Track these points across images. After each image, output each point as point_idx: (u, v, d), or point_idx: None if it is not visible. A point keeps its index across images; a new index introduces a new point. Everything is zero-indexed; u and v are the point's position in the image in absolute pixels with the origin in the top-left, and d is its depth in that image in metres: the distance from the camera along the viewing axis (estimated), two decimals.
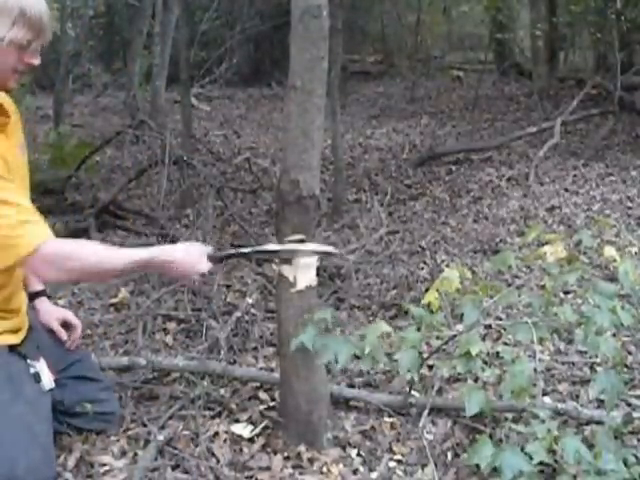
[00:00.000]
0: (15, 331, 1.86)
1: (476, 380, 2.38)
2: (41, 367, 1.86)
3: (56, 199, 4.77)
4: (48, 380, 1.86)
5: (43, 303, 2.09)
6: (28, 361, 1.85)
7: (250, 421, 2.13)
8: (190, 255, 1.78)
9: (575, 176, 5.61)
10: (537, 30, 8.97)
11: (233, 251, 2.09)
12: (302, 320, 1.92)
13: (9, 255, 1.62)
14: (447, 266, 3.58)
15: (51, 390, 1.87)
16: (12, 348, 1.83)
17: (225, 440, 2.05)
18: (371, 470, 1.94)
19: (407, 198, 5.33)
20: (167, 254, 1.77)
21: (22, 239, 1.61)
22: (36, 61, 1.71)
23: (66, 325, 2.08)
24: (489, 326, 2.70)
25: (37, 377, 1.84)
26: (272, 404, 2.21)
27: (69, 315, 2.10)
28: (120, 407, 2.15)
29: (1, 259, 1.64)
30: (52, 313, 2.07)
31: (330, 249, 1.97)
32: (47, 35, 1.71)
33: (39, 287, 2.10)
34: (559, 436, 1.72)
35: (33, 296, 2.08)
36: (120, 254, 1.75)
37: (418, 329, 1.96)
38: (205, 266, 1.81)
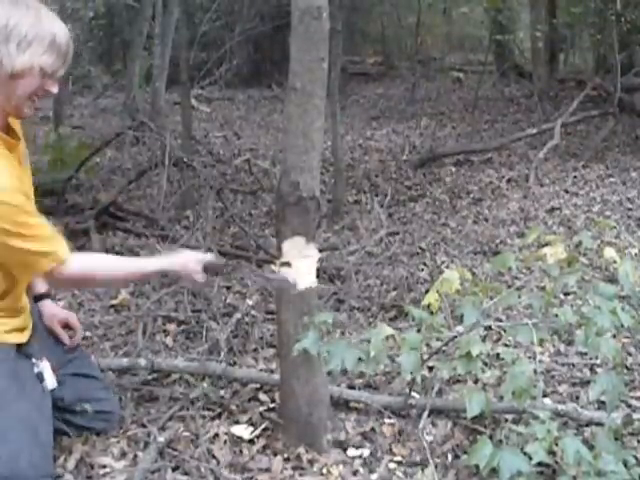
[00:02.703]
0: (22, 330, 1.88)
1: (476, 381, 2.38)
2: (44, 366, 1.88)
3: (56, 200, 4.76)
4: (51, 380, 1.88)
5: (47, 305, 2.10)
6: (33, 360, 1.87)
7: (250, 422, 2.13)
8: (189, 265, 1.90)
9: (575, 177, 5.62)
10: (537, 31, 8.97)
11: (225, 264, 2.28)
12: (302, 322, 1.92)
13: (41, 263, 1.72)
14: (447, 267, 3.58)
15: (53, 390, 1.88)
16: (18, 347, 1.85)
17: (225, 441, 2.05)
18: (371, 471, 1.94)
19: (407, 199, 5.33)
20: (170, 265, 1.91)
21: (57, 250, 1.73)
22: (54, 89, 1.73)
23: (67, 327, 2.09)
24: (489, 327, 2.69)
25: (40, 376, 1.86)
26: (272, 405, 2.21)
27: (71, 317, 2.11)
28: (120, 408, 2.15)
29: (30, 268, 1.76)
30: (55, 315, 2.08)
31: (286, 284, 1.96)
32: (69, 63, 1.73)
33: (43, 289, 2.11)
34: (559, 437, 1.72)
35: (37, 298, 2.09)
36: (130, 268, 1.92)
37: (418, 330, 1.96)
38: (201, 277, 1.92)
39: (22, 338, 1.87)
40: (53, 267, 1.72)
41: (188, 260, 1.91)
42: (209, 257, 1.96)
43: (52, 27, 1.66)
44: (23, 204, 1.67)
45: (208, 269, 1.93)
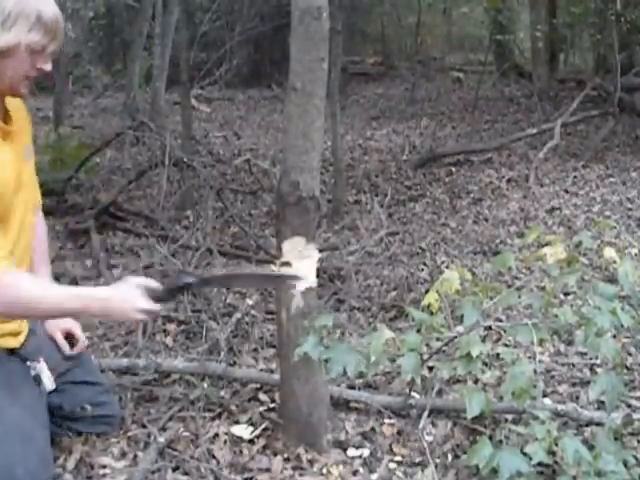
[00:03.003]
0: (15, 334, 1.84)
1: (476, 381, 2.38)
2: (41, 368, 1.84)
3: (56, 200, 4.77)
4: (49, 381, 1.85)
5: None
6: (28, 363, 1.83)
7: (250, 422, 2.13)
8: (126, 301, 1.63)
9: (575, 177, 5.62)
10: (537, 31, 8.98)
11: (182, 284, 1.71)
12: (302, 322, 1.92)
13: None
14: (447, 267, 3.58)
15: (53, 391, 1.86)
16: (12, 351, 1.82)
17: (225, 442, 2.05)
18: (371, 472, 1.94)
19: (407, 199, 5.33)
20: (102, 305, 1.63)
21: None
22: (48, 67, 1.70)
23: (69, 336, 2.03)
24: (489, 327, 2.69)
25: (37, 379, 1.83)
26: (272, 405, 2.21)
27: (75, 327, 2.04)
28: (120, 409, 2.15)
29: None
30: (58, 323, 2.01)
31: (294, 275, 1.88)
32: (60, 40, 1.70)
33: None
34: (559, 437, 1.72)
35: None
36: (56, 299, 1.62)
37: (418, 331, 1.96)
38: (145, 306, 1.64)
39: (15, 343, 1.82)
40: None
41: (126, 295, 1.63)
42: (153, 284, 1.67)
43: (38, 4, 1.62)
44: None
45: (157, 298, 1.65)
